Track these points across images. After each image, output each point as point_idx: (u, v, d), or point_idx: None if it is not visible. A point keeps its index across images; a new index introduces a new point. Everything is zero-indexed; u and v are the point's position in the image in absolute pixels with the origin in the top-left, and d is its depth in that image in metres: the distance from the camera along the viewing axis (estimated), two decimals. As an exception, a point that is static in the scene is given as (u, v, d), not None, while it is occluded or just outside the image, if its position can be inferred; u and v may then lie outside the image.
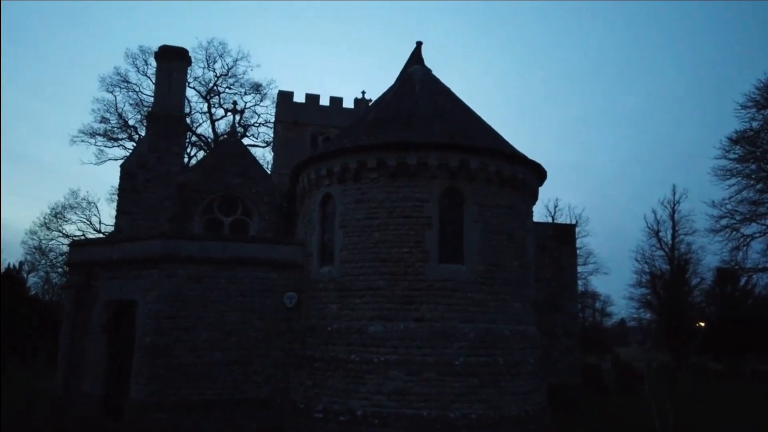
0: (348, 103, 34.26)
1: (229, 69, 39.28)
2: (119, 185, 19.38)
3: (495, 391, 13.33)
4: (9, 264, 43.94)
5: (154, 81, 27.17)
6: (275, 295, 15.36)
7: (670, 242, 43.08)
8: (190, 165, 24.62)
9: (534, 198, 16.27)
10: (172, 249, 14.87)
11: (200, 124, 40.55)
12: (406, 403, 13.01)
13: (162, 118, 19.90)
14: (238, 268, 15.21)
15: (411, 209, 14.03)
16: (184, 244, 15.12)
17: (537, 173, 15.86)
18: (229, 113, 34.94)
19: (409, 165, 14.01)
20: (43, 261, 43.06)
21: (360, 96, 34.30)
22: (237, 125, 26.06)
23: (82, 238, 34.49)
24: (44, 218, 40.70)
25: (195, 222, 19.42)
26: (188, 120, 34.85)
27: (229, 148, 20.83)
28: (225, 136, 32.27)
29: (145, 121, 35.94)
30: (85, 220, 39.68)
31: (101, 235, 36.38)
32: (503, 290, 14.22)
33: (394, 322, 13.59)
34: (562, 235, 21.28)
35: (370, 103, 30.09)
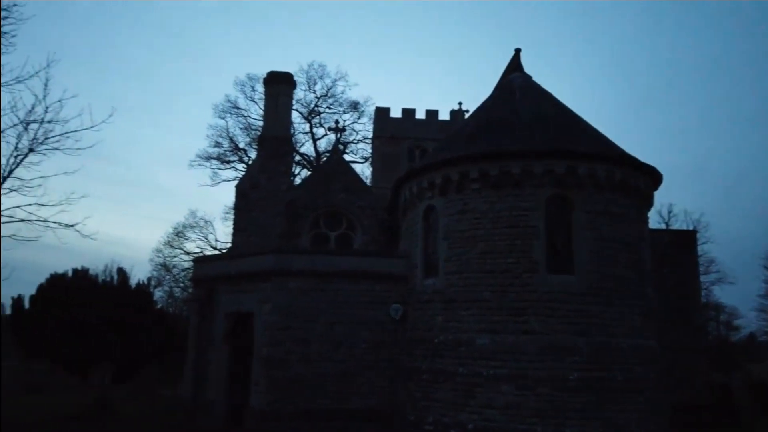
0: (444, 116, 34.37)
1: (328, 90, 40.89)
2: (234, 205, 20.72)
3: (614, 409, 12.61)
4: (138, 280, 48.33)
5: (261, 106, 28.85)
6: (381, 307, 15.61)
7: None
8: (296, 183, 25.83)
9: (649, 204, 15.33)
10: (284, 263, 15.61)
11: (303, 144, 42.47)
12: (519, 418, 12.64)
13: (270, 140, 21.08)
14: (344, 281, 15.66)
15: (516, 219, 13.74)
16: (295, 259, 15.83)
17: (651, 177, 14.95)
18: (330, 132, 36.29)
19: (513, 174, 13.76)
20: (168, 277, 46.89)
21: (456, 107, 34.29)
22: (337, 145, 26.97)
23: (202, 255, 37.12)
24: (167, 237, 44.43)
25: (303, 237, 20.27)
26: (293, 142, 36.70)
27: (332, 166, 21.61)
28: (327, 154, 33.52)
29: (253, 143, 38.36)
30: (202, 238, 42.82)
31: (217, 252, 38.98)
32: (619, 301, 13.47)
33: (503, 334, 13.30)
34: (682, 243, 19.84)
35: (466, 115, 30.01)
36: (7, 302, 42.13)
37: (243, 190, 20.55)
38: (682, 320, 18.80)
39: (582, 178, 13.61)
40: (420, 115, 34.49)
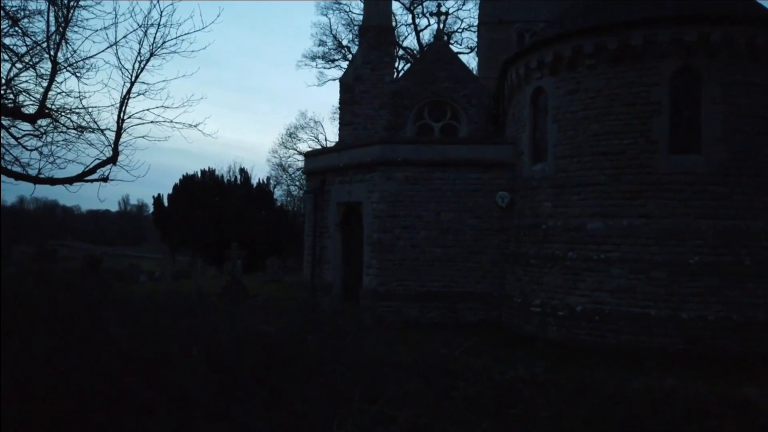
0: (556, -7, 31.36)
1: (431, -26, 38.65)
2: (339, 99, 20.99)
3: (739, 293, 11.92)
4: (259, 179, 51.68)
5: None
6: (488, 194, 15.53)
7: None
8: (400, 75, 25.43)
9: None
10: (389, 153, 15.83)
11: (406, 37, 41.26)
12: (631, 301, 12.40)
13: (372, 29, 20.66)
14: (450, 169, 15.64)
15: (635, 96, 12.64)
16: (399, 148, 15.98)
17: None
18: (433, 18, 34.71)
19: (634, 46, 12.48)
20: (284, 176, 49.68)
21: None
22: (441, 31, 25.78)
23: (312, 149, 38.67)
24: (281, 138, 46.56)
25: (407, 129, 20.28)
26: (395, 33, 35.73)
27: (436, 52, 20.91)
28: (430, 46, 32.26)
29: (356, 39, 37.91)
30: (313, 138, 44.43)
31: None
32: (752, 181, 12.27)
33: (616, 218, 12.78)
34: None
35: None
36: (149, 201, 47.25)
37: (347, 83, 20.66)
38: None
39: (716, 46, 12.05)
40: (529, -5, 31.77)
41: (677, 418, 6.13)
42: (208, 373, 4.92)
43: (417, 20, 40.06)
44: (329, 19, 41.90)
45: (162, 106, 15.66)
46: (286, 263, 37.75)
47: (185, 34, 11.37)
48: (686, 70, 12.35)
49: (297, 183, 47.08)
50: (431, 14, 36.67)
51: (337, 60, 42.13)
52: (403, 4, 39.55)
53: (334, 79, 42.32)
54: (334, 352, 6.83)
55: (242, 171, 45.54)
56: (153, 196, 42.95)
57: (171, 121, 16.69)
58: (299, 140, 45.40)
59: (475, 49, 37.92)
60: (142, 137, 10.70)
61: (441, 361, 9.07)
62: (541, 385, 7.56)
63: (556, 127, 13.91)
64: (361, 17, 34.53)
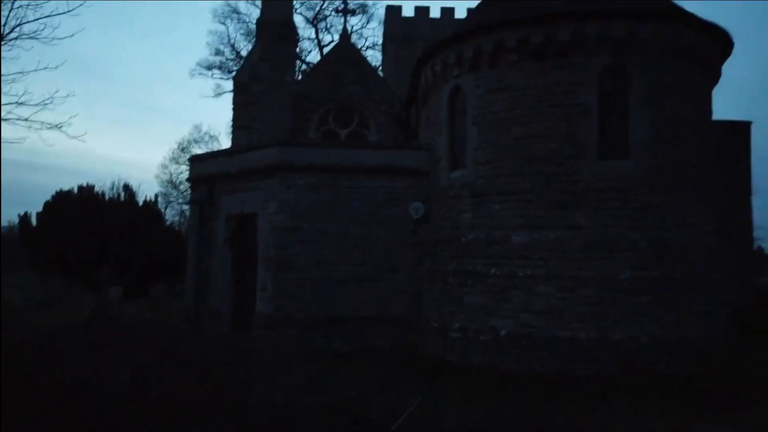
0: (460, 13, 31.64)
1: (335, -11, 37.37)
2: (233, 99, 18.64)
3: (671, 310, 11.00)
4: (146, 197, 47.21)
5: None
6: (402, 205, 13.87)
7: None
8: (302, 77, 23.45)
9: (715, 78, 13.02)
10: (289, 156, 13.77)
11: (309, 52, 39.57)
12: (560, 322, 11.11)
13: (270, 23, 18.53)
14: (359, 177, 13.85)
15: (562, 96, 11.56)
16: (302, 152, 13.95)
17: (721, 43, 12.49)
18: (338, 15, 32.87)
19: (560, 41, 11.44)
20: (175, 193, 45.66)
21: (475, 5, 31.10)
22: (347, 30, 23.86)
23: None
24: (173, 153, 42.76)
25: (310, 135, 18.31)
26: (297, 49, 33.82)
27: (342, 52, 19.20)
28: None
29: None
30: (208, 152, 41.06)
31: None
32: (681, 191, 11.55)
33: (543, 230, 11.53)
34: (733, 134, 17.62)
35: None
36: (15, 219, 41.44)
37: (242, 81, 18.36)
38: (732, 219, 16.96)
39: (644, 43, 11.27)
40: (435, 13, 31.90)
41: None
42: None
43: (321, 35, 38.57)
44: (227, 27, 38.96)
45: (16, 102, 13.11)
46: (175, 288, 34.13)
47: (46, 16, 9.11)
48: (615, 69, 11.47)
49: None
50: (337, 11, 34.74)
51: (235, 71, 39.46)
52: (306, 18, 37.93)
53: (231, 92, 39.53)
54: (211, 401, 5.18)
55: (126, 187, 41.20)
56: (18, 215, 37.45)
57: (27, 119, 13.80)
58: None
59: (380, 68, 36.96)
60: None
61: (351, 407, 7.09)
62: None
63: (476, 130, 12.57)
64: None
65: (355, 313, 13.37)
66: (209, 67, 39.47)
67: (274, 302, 13.25)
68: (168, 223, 47.73)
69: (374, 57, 39.57)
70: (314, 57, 39.07)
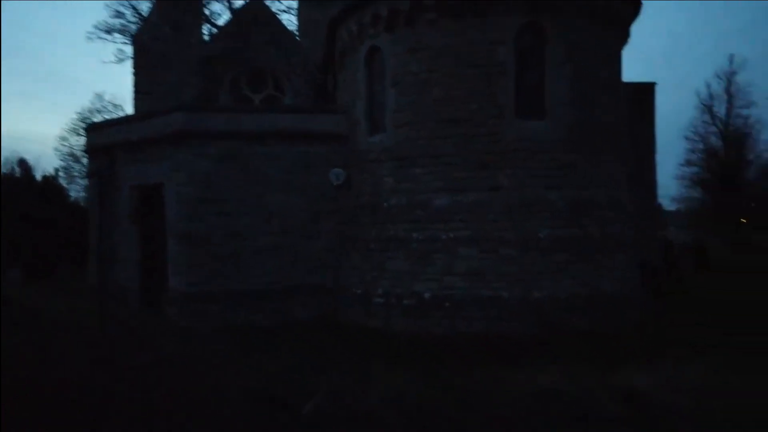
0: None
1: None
2: (133, 63, 17.08)
3: (588, 267, 11.28)
4: (45, 171, 43.44)
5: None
6: (320, 171, 13.32)
7: (725, 117, 40.72)
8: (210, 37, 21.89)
9: (625, 37, 13.26)
10: (198, 123, 12.78)
11: (220, 16, 37.22)
12: (483, 283, 11.12)
13: (172, -21, 17.08)
14: (274, 143, 13.12)
15: (481, 55, 11.36)
16: (211, 117, 13.00)
17: (632, 3, 12.69)
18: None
19: (477, -1, 11.16)
20: (78, 167, 42.27)
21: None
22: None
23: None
24: (72, 124, 39.39)
25: (221, 100, 17.18)
26: (206, 11, 31.77)
27: (253, 12, 18.00)
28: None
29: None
30: (112, 122, 38.12)
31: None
32: (597, 149, 11.75)
33: (465, 192, 11.41)
34: (639, 96, 18.28)
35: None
36: None
37: (142, 42, 16.84)
38: (638, 180, 17.70)
39: (560, 2, 11.21)
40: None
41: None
42: None
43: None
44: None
45: None
46: (85, 267, 31.82)
47: None
48: (532, 28, 11.37)
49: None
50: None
51: (138, 33, 36.61)
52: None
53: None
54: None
55: (22, 162, 37.72)
56: None
57: None
58: (95, 125, 38.67)
59: (296, 34, 35.43)
60: None
61: (269, 385, 6.64)
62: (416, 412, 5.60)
63: (394, 92, 12.16)
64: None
65: (276, 284, 12.82)
66: (109, 31, 36.25)
67: (188, 277, 12.43)
68: (72, 199, 44.39)
69: (290, 22, 37.82)
70: (225, 21, 36.91)
